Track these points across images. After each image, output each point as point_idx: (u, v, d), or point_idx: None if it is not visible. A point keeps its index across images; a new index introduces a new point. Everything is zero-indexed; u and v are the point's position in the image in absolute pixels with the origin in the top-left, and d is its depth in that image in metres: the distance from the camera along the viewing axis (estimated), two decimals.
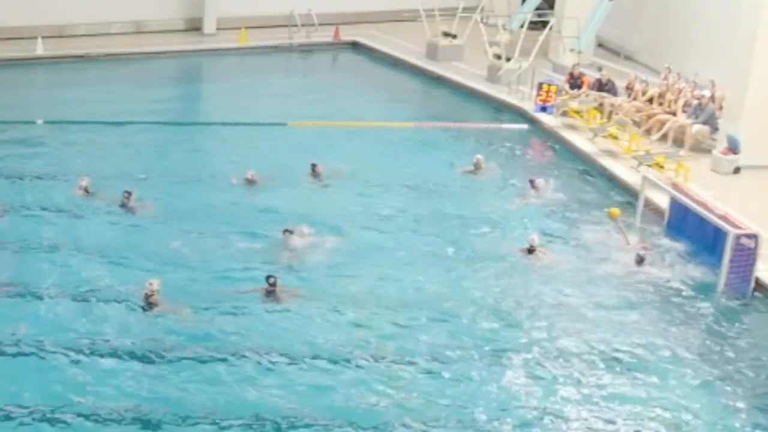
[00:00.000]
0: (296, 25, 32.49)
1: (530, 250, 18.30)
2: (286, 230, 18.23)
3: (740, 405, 14.43)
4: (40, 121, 24.50)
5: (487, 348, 15.44)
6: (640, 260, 18.05)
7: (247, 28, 31.85)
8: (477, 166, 22.26)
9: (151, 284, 15.94)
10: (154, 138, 24.23)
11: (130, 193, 19.63)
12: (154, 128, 24.85)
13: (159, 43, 31.42)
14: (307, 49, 32.53)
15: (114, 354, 14.72)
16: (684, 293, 17.47)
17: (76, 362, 14.47)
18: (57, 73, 29.18)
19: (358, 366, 14.78)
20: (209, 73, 30.94)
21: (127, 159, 22.57)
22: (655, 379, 14.91)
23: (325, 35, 32.67)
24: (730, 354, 15.73)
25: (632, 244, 18.95)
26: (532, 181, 21.52)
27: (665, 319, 16.65)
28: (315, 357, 14.91)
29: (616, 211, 20.18)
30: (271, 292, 16.34)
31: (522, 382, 14.66)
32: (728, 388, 14.81)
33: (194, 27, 32.82)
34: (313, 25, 32.54)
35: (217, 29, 32.61)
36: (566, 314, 16.59)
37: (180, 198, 20.42)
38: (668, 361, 15.41)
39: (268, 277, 16.45)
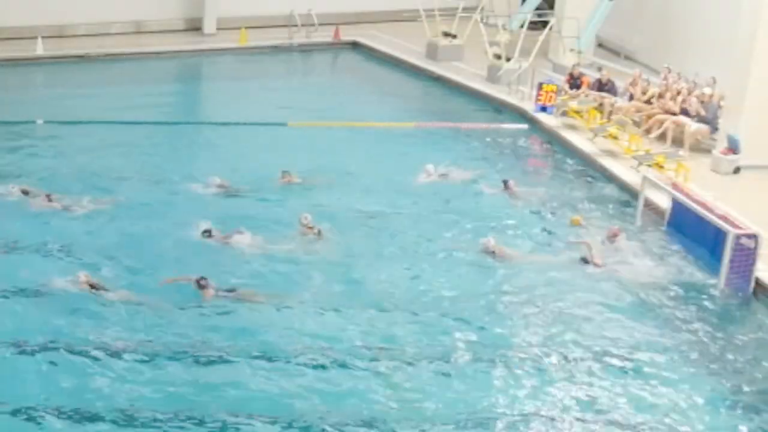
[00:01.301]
0: (296, 25, 32.50)
1: (489, 252, 18.25)
2: (204, 231, 18.17)
3: (740, 404, 14.42)
4: (40, 121, 24.52)
5: (465, 348, 15.40)
6: (585, 261, 17.99)
7: (247, 28, 31.86)
8: (427, 174, 21.79)
9: (78, 277, 16.25)
10: (154, 138, 24.22)
11: (48, 195, 19.50)
12: (154, 128, 24.84)
13: (159, 43, 31.43)
14: (307, 49, 32.54)
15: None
16: (684, 293, 17.46)
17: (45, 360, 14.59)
18: (57, 73, 29.20)
19: (318, 364, 14.77)
20: (209, 73, 30.96)
21: (126, 159, 22.56)
22: (654, 379, 14.89)
23: (325, 35, 32.68)
24: (730, 354, 15.72)
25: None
26: (505, 182, 21.42)
27: (665, 318, 16.64)
28: (271, 357, 14.92)
29: (577, 219, 20.04)
30: (203, 287, 16.31)
31: (516, 384, 14.64)
32: (728, 388, 14.80)
33: (194, 27, 32.83)
34: (313, 25, 32.55)
35: (217, 29, 32.63)
36: (565, 315, 16.57)
37: (173, 197, 20.43)
38: (668, 361, 15.39)
39: (199, 279, 16.39)
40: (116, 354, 14.67)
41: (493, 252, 18.27)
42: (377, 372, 14.61)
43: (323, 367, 14.69)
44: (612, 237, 19.03)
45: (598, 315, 16.62)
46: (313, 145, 23.96)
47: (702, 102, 23.82)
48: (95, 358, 14.54)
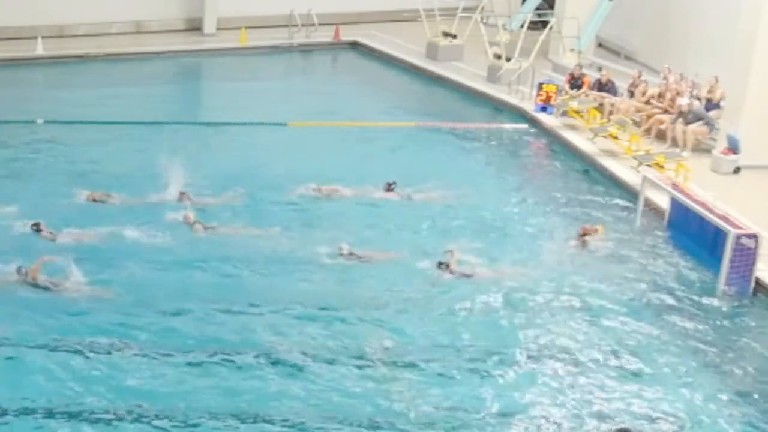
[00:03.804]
0: (296, 25, 32.51)
1: (346, 255, 17.79)
2: (33, 225, 18.01)
3: (740, 405, 14.41)
4: (40, 121, 24.51)
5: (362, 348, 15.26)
6: (444, 266, 17.45)
7: (247, 28, 31.87)
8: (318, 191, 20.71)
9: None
10: (154, 138, 24.18)
11: None
12: (154, 128, 24.83)
13: (159, 43, 31.43)
14: (307, 49, 32.54)
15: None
16: (684, 293, 17.46)
17: None
18: (57, 73, 29.19)
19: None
20: (209, 73, 30.95)
21: (126, 159, 22.56)
22: (653, 379, 14.89)
23: (325, 35, 32.69)
24: (730, 354, 15.72)
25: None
26: (388, 185, 20.68)
27: (665, 319, 16.63)
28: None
29: (599, 228, 19.89)
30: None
31: (512, 385, 14.58)
32: (728, 388, 14.79)
33: (194, 27, 32.83)
34: (313, 25, 32.56)
35: (217, 29, 32.63)
36: (561, 314, 16.57)
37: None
38: (668, 361, 15.39)
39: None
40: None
41: (351, 254, 17.79)
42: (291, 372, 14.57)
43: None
44: (582, 236, 18.96)
45: (599, 314, 16.63)
46: (313, 145, 23.96)
47: (699, 99, 23.87)
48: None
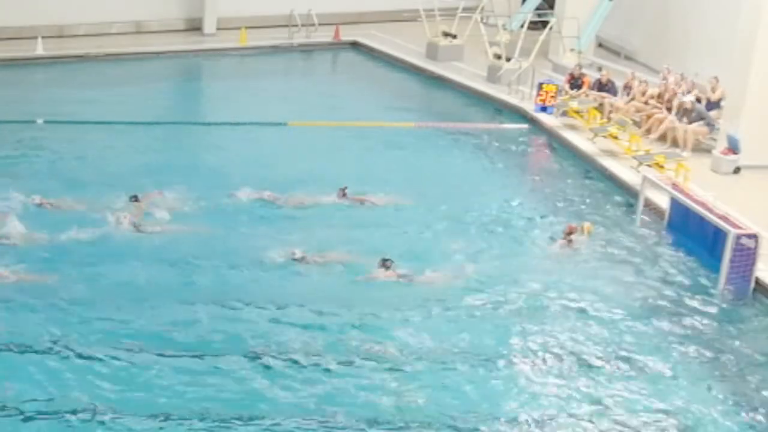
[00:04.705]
0: (296, 25, 32.51)
1: (299, 259, 17.57)
2: None
3: (739, 405, 14.42)
4: (40, 121, 24.51)
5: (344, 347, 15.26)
6: (386, 266, 17.21)
7: (247, 28, 31.87)
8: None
9: None
10: (154, 138, 24.21)
11: None
12: (154, 128, 24.84)
13: (159, 43, 31.43)
14: (307, 49, 32.54)
15: None
16: (684, 293, 17.46)
17: None
18: (57, 73, 29.18)
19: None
20: (209, 73, 30.93)
21: (126, 159, 22.55)
22: (653, 380, 14.88)
23: (325, 35, 32.69)
24: (730, 354, 15.71)
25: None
26: (343, 190, 20.31)
27: (665, 319, 16.63)
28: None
29: (588, 226, 19.78)
30: None
31: (513, 386, 14.58)
32: (728, 389, 14.79)
33: (194, 27, 32.83)
34: (313, 25, 32.56)
35: (217, 29, 32.63)
36: (560, 315, 16.57)
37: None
38: (667, 361, 15.39)
39: None
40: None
41: (303, 258, 17.55)
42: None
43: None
44: (568, 234, 18.92)
45: (599, 314, 16.62)
46: (313, 145, 23.96)
47: (699, 100, 23.88)
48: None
